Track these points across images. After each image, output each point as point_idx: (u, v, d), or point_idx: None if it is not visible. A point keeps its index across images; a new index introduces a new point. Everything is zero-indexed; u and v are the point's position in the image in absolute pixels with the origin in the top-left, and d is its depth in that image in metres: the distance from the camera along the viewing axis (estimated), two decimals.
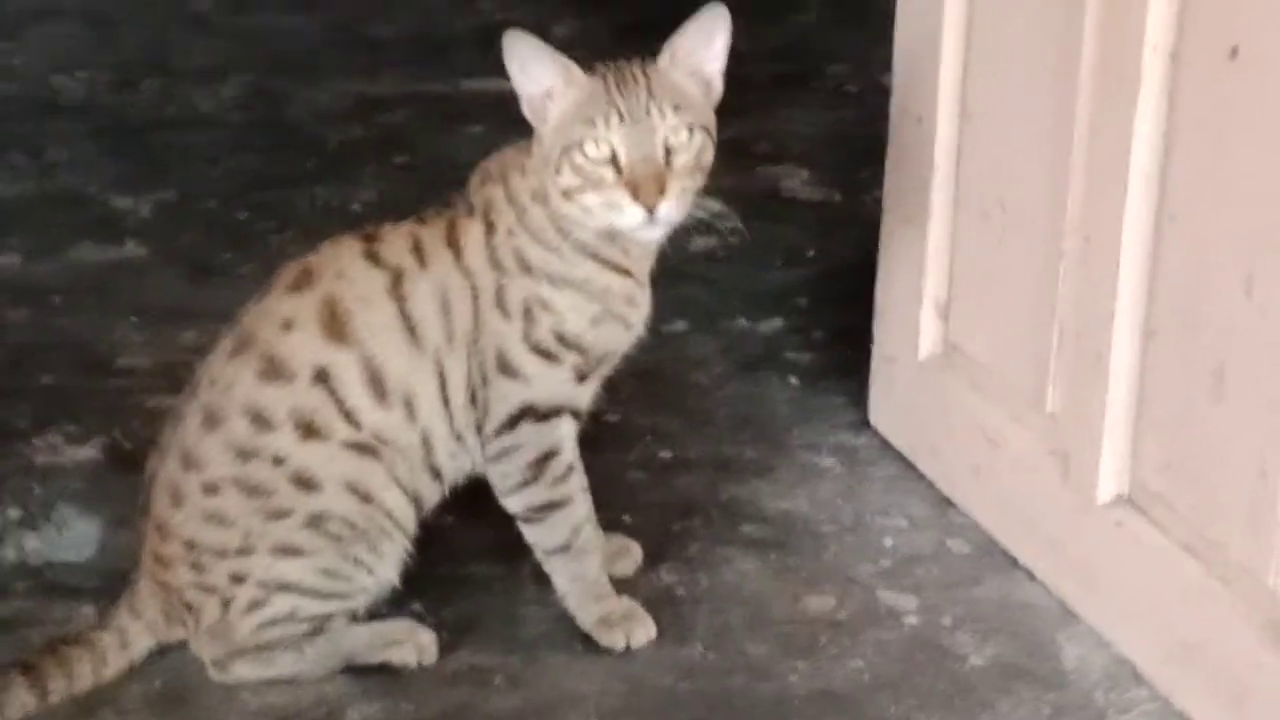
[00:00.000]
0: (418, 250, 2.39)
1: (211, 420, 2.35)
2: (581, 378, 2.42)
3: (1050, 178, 2.51)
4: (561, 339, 2.38)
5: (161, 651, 2.43)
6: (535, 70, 2.31)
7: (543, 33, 5.00)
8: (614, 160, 2.27)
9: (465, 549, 2.67)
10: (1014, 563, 2.65)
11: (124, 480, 2.74)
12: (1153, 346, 2.36)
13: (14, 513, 2.76)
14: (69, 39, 5.16)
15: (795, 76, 4.83)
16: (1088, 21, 2.40)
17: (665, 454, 2.98)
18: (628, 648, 2.47)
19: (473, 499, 2.53)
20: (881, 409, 3.00)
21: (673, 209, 2.28)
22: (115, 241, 3.79)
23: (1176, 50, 2.26)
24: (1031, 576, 2.62)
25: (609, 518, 2.67)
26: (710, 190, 2.37)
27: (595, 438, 2.83)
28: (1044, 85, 2.51)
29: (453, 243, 2.39)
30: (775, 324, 3.43)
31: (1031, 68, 2.55)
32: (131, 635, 2.41)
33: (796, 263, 3.70)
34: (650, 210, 2.26)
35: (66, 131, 4.42)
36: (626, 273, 2.41)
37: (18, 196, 4.03)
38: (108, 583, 2.55)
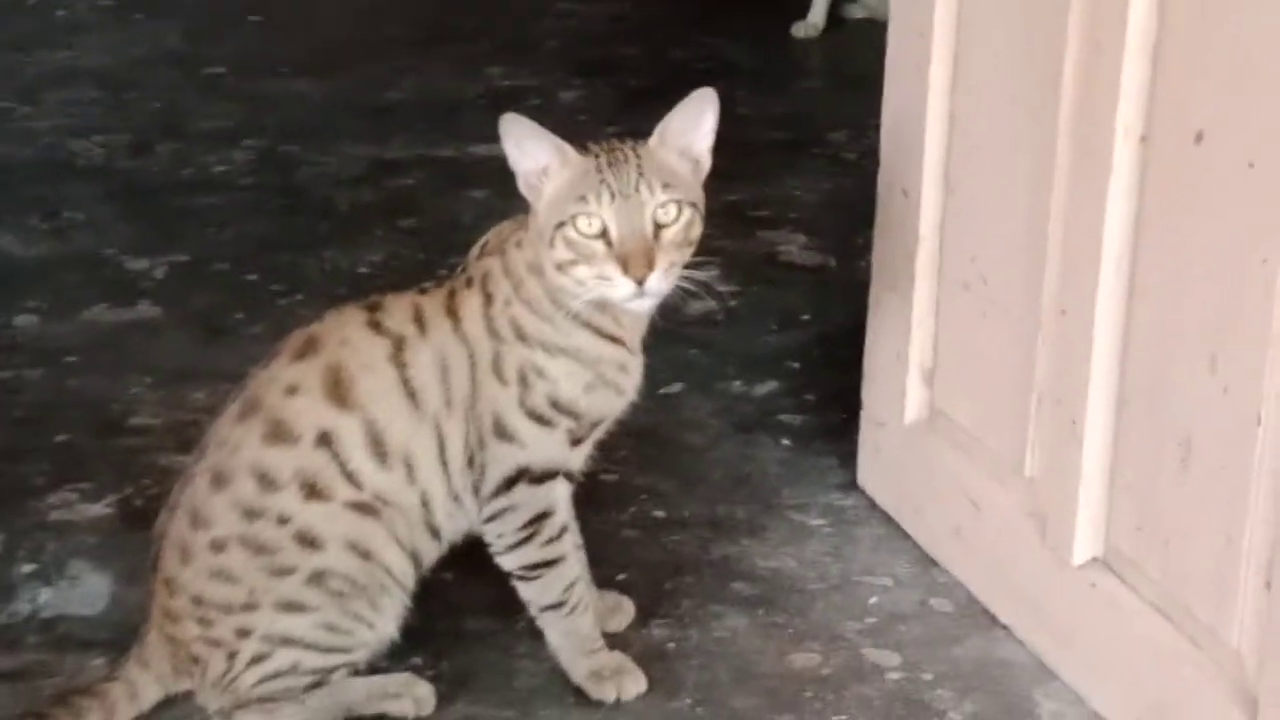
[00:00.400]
0: (418, 319, 2.48)
1: (219, 480, 2.44)
2: (575, 442, 2.51)
3: (1028, 253, 2.60)
4: (556, 404, 2.47)
5: (169, 702, 2.51)
6: (531, 150, 2.39)
7: (550, 99, 5.20)
8: (605, 235, 2.35)
9: (463, 604, 2.75)
10: (994, 621, 2.74)
11: (135, 537, 2.83)
12: (1124, 416, 2.45)
13: (28, 567, 2.86)
14: (86, 104, 5.28)
15: (796, 143, 4.94)
16: (1063, 104, 2.49)
17: (659, 513, 3.06)
18: (618, 701, 2.55)
19: (471, 557, 2.60)
20: (869, 471, 3.09)
21: (661, 281, 2.37)
22: (129, 302, 3.89)
23: (1147, 133, 2.36)
24: (1011, 634, 2.70)
25: (603, 574, 2.76)
26: (710, 253, 2.45)
27: (592, 496, 2.93)
28: (1023, 164, 2.60)
29: (452, 312, 2.48)
30: (770, 386, 3.52)
31: (1011, 146, 2.64)
32: (140, 686, 2.49)
33: (792, 326, 3.79)
34: (640, 283, 2.35)
35: (83, 194, 4.53)
36: (619, 341, 2.49)
37: (35, 258, 4.13)
38: (118, 636, 2.63)
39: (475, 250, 2.55)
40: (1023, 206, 2.61)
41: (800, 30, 6.11)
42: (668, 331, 3.54)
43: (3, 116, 5.15)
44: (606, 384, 2.50)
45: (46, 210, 4.40)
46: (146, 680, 2.50)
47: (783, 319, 3.83)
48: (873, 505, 3.06)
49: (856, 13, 6.16)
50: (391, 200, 4.51)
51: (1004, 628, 2.72)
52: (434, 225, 4.23)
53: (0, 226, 4.28)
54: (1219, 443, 2.27)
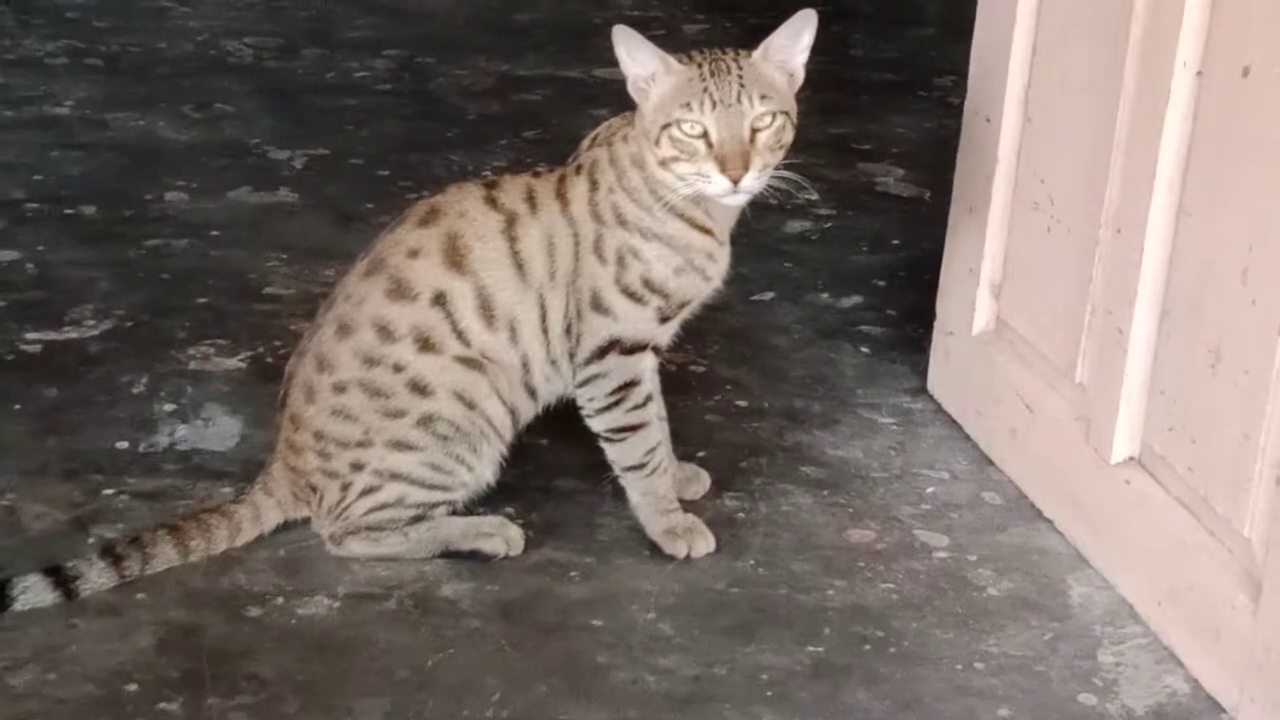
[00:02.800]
0: (531, 199, 2.74)
1: (344, 330, 2.72)
2: (663, 319, 2.76)
3: (1091, 176, 2.83)
4: (648, 284, 2.72)
5: (287, 526, 2.80)
6: (639, 57, 2.64)
7: (674, 31, 5.44)
8: (706, 137, 2.59)
9: (555, 466, 3.02)
10: (1038, 514, 2.98)
11: (264, 389, 3.14)
12: (1165, 326, 2.68)
13: (169, 407, 3.16)
14: (240, 7, 5.60)
15: (904, 85, 5.16)
16: (1131, 39, 2.71)
17: (741, 402, 3.32)
18: (688, 557, 2.80)
19: (565, 423, 2.87)
20: (938, 378, 3.33)
21: (754, 181, 2.61)
22: (270, 188, 4.20)
23: (1203, 68, 2.57)
24: (1052, 526, 2.94)
25: (685, 451, 3.03)
26: (812, 179, 2.68)
27: (681, 383, 3.22)
28: (1093, 93, 2.82)
29: (561, 195, 2.74)
30: (854, 300, 3.77)
31: (1083, 80, 2.86)
32: (264, 510, 2.78)
33: (881, 249, 4.03)
34: (735, 181, 2.59)
35: (233, 89, 4.85)
36: (709, 232, 2.73)
37: (187, 142, 4.45)
38: (244, 469, 2.93)
39: (586, 141, 2.81)
40: (1090, 133, 2.83)
41: None
42: (765, 246, 3.84)
43: (161, 14, 5.48)
44: (695, 269, 2.74)
45: (199, 101, 4.72)
46: (269, 505, 2.79)
47: (874, 242, 4.07)
48: (939, 408, 3.30)
49: None
50: (518, 112, 4.78)
51: (1047, 520, 2.96)
52: (556, 137, 4.50)
53: (156, 112, 4.62)
54: (1245, 349, 2.49)
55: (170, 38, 5.26)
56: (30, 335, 3.39)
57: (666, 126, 2.61)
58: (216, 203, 4.09)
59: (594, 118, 4.41)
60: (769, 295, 3.75)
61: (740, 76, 2.61)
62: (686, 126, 2.59)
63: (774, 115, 2.61)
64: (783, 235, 4.03)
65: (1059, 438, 2.93)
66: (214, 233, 3.92)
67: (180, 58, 5.10)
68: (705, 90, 2.59)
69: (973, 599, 2.76)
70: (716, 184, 2.60)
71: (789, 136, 2.66)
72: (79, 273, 3.67)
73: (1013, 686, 2.55)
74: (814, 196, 3.80)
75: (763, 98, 2.61)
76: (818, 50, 2.67)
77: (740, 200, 2.66)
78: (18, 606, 2.57)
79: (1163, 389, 2.69)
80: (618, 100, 2.72)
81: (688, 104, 2.59)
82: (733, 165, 2.58)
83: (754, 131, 2.60)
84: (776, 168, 2.64)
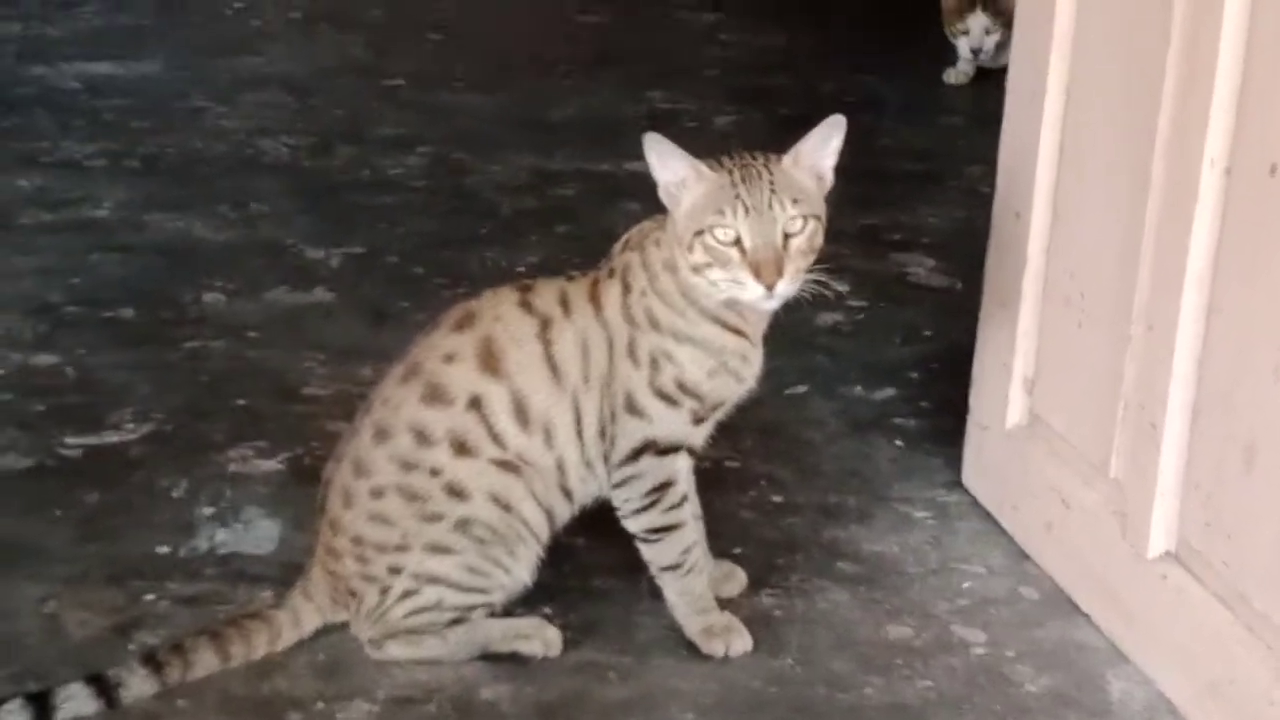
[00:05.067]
0: (565, 303, 2.77)
1: (381, 435, 2.74)
2: (698, 421, 2.78)
3: (1122, 271, 2.84)
4: (682, 387, 2.74)
5: (327, 630, 2.81)
6: (670, 164, 2.67)
7: (705, 123, 5.49)
8: (739, 244, 2.62)
9: (592, 565, 3.03)
10: (1075, 608, 2.97)
11: (303, 491, 3.15)
12: (1199, 422, 2.69)
13: (208, 510, 3.19)
14: (275, 107, 5.67)
15: (934, 175, 5.19)
16: (1159, 137, 2.73)
17: (776, 498, 3.33)
18: (726, 656, 2.81)
19: (601, 522, 2.88)
20: (973, 471, 3.34)
21: (788, 286, 2.63)
22: (307, 287, 4.24)
23: (1230, 165, 2.59)
24: (1090, 621, 2.94)
25: (721, 547, 3.03)
26: (843, 272, 2.70)
27: (715, 479, 3.23)
28: (1121, 190, 2.84)
29: (594, 298, 2.76)
30: (888, 392, 3.78)
31: (1112, 177, 2.88)
32: (303, 615, 2.80)
33: (914, 340, 4.05)
34: (770, 288, 2.62)
35: (269, 188, 4.90)
36: (742, 334, 2.75)
37: (224, 243, 4.51)
38: (285, 573, 2.94)
39: (619, 245, 2.84)
40: (1119, 229, 2.85)
41: (951, 76, 6.35)
42: (798, 339, 3.86)
43: (199, 115, 5.56)
44: (729, 371, 2.76)
45: (235, 201, 4.78)
46: (309, 610, 2.81)
47: (907, 334, 4.09)
48: (974, 502, 3.31)
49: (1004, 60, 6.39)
50: (551, 208, 4.83)
51: (1084, 615, 2.96)
52: (589, 233, 4.52)
53: (194, 213, 4.67)
54: (1279, 445, 2.50)
55: (206, 138, 5.33)
56: (70, 440, 3.42)
57: (699, 233, 2.63)
58: (254, 303, 4.13)
59: (625, 212, 4.47)
60: (802, 389, 3.77)
61: (772, 182, 2.63)
62: (720, 233, 2.62)
63: (806, 219, 2.64)
64: (815, 328, 4.05)
65: (1095, 532, 2.93)
66: (251, 333, 3.96)
67: (216, 157, 5.17)
68: (737, 196, 2.62)
69: (1011, 695, 2.75)
70: (751, 290, 2.62)
71: (820, 240, 2.68)
72: (118, 376, 3.71)
73: None
74: (845, 289, 3.82)
75: (795, 202, 2.63)
76: (846, 140, 2.69)
77: (774, 305, 2.68)
78: (60, 715, 2.58)
79: (1198, 483, 2.70)
80: (648, 194, 2.75)
81: (720, 210, 2.62)
82: (767, 272, 2.60)
83: (786, 237, 2.62)
84: (808, 270, 2.67)
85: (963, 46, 6.28)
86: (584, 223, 4.69)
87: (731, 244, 2.62)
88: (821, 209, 2.69)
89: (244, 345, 3.90)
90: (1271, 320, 2.51)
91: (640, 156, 2.68)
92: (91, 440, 3.43)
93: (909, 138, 5.50)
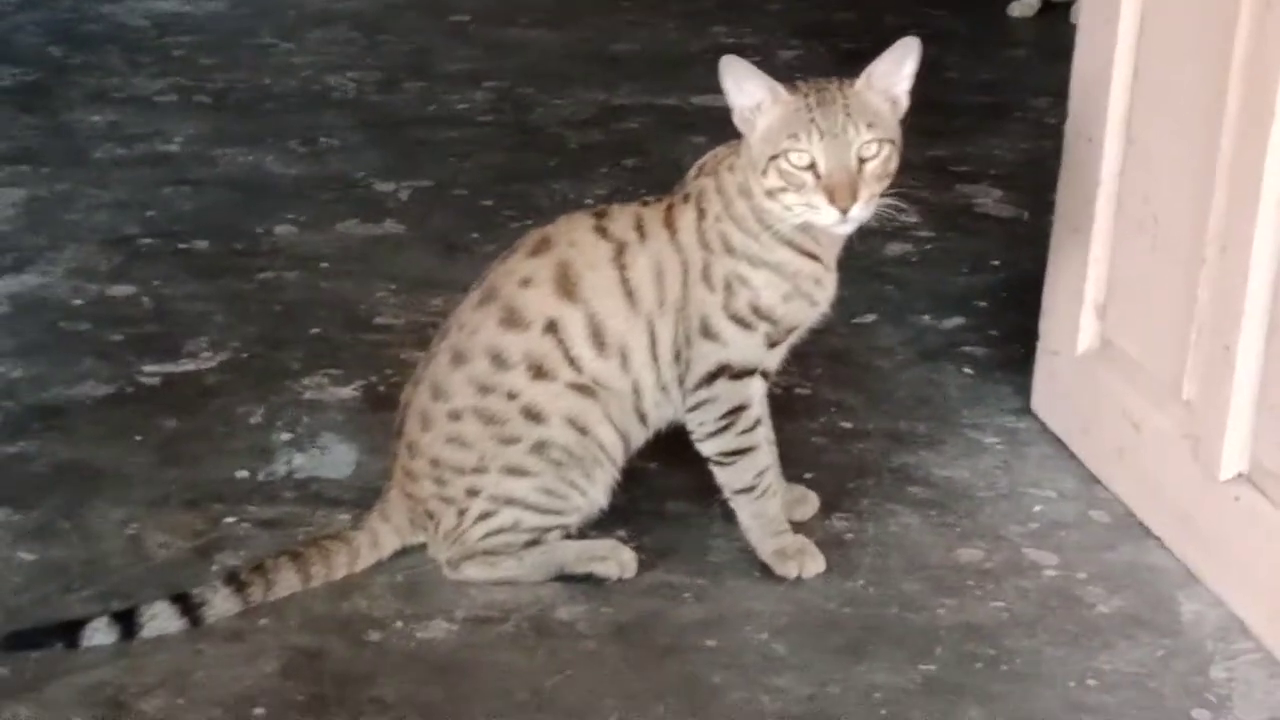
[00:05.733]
0: (639, 228, 2.78)
1: (459, 358, 2.77)
2: (772, 344, 2.79)
3: (1196, 194, 2.84)
4: (756, 310, 2.76)
5: (404, 552, 2.86)
6: (747, 87, 2.67)
7: (769, 57, 5.51)
8: (813, 168, 2.62)
9: (666, 489, 3.06)
10: (1147, 532, 2.98)
11: (377, 417, 3.21)
12: (1273, 342, 2.68)
13: (285, 436, 3.23)
14: (342, 43, 5.71)
15: (1001, 106, 5.19)
16: (1235, 57, 2.72)
17: (846, 424, 3.35)
18: (799, 578, 2.83)
19: (674, 447, 2.91)
20: (1042, 397, 3.35)
21: (863, 210, 2.64)
22: (377, 220, 4.28)
23: None
24: (1161, 544, 2.95)
25: (793, 473, 3.06)
26: (911, 203, 2.71)
27: (786, 406, 3.24)
28: (1196, 116, 2.84)
29: (669, 223, 2.78)
30: (956, 321, 3.79)
31: (1187, 100, 2.87)
32: (381, 536, 2.84)
33: (982, 270, 4.05)
34: (844, 211, 2.62)
35: (337, 123, 4.95)
36: (816, 258, 2.76)
37: (294, 176, 4.55)
38: (360, 496, 2.99)
39: (693, 170, 2.85)
40: (1194, 151, 2.84)
41: (1016, 9, 6.32)
42: (866, 269, 3.87)
43: (267, 52, 5.60)
44: (802, 295, 2.78)
45: (304, 136, 4.83)
46: (387, 531, 2.84)
47: (974, 263, 4.09)
48: (1044, 428, 3.32)
49: None
50: (618, 141, 4.85)
51: (1155, 538, 2.97)
52: (656, 165, 4.56)
53: (263, 148, 4.72)
54: None
55: (275, 74, 5.37)
56: (148, 368, 3.47)
57: (774, 158, 2.64)
58: (325, 235, 4.17)
59: (693, 145, 4.49)
60: (871, 318, 3.79)
61: (846, 106, 2.63)
62: (794, 157, 2.62)
63: (880, 144, 2.64)
64: (883, 258, 4.06)
65: (1166, 455, 2.94)
66: (324, 265, 4.00)
67: (285, 93, 5.21)
68: (812, 121, 2.62)
69: (1083, 616, 2.77)
70: (825, 214, 2.63)
71: (895, 164, 2.68)
72: (194, 306, 3.76)
73: (1126, 703, 2.56)
74: (914, 219, 3.83)
75: (869, 126, 2.63)
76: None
77: (848, 229, 2.68)
78: (145, 633, 2.64)
79: (1272, 404, 2.70)
80: (716, 127, 2.77)
81: (795, 135, 2.62)
82: (841, 196, 2.61)
83: (861, 161, 2.62)
84: (882, 195, 2.67)
85: None
86: (651, 155, 4.71)
87: (806, 168, 2.62)
88: (896, 133, 2.69)
89: (316, 276, 3.94)
90: None
91: (707, 89, 2.70)
92: (169, 368, 3.48)
93: (974, 70, 5.49)
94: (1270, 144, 2.63)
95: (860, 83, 2.68)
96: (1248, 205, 2.69)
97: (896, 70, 2.69)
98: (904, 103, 2.72)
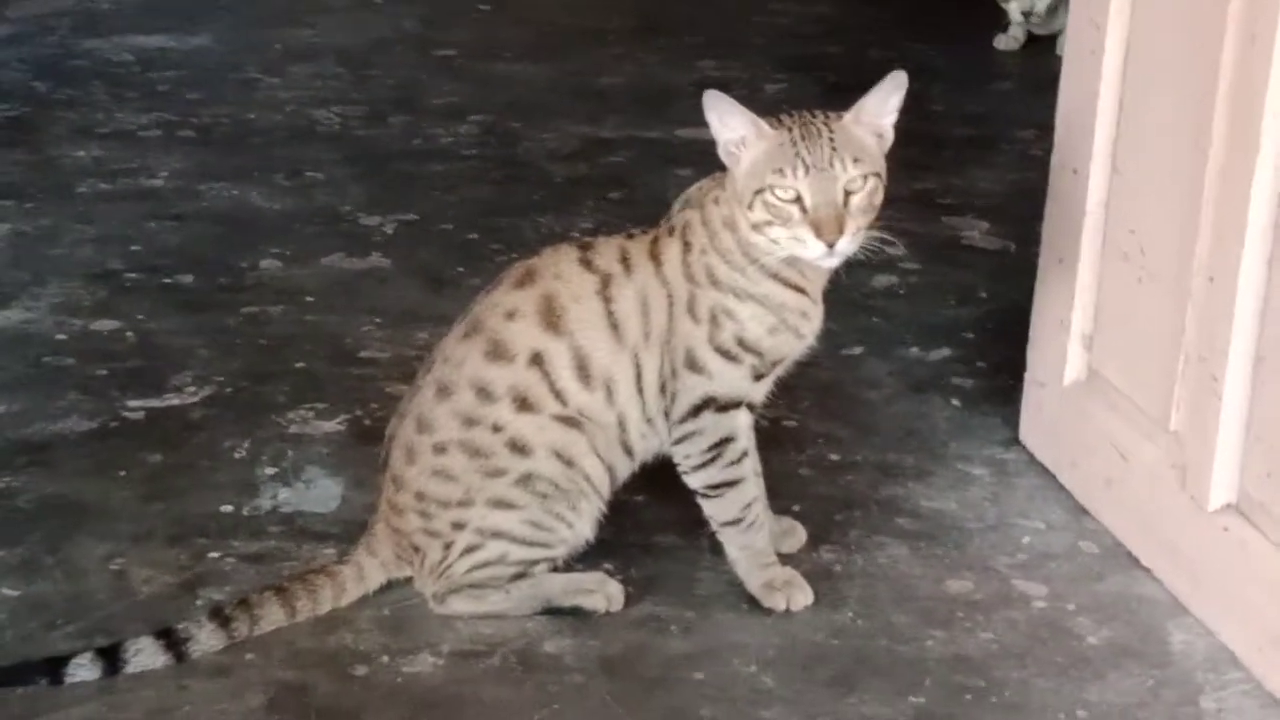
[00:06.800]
0: (625, 260, 2.78)
1: (444, 391, 2.76)
2: (758, 377, 2.79)
3: (1182, 225, 2.84)
4: (742, 343, 2.75)
5: (391, 585, 2.84)
6: (730, 122, 2.67)
7: (755, 91, 5.51)
8: (799, 201, 2.62)
9: (652, 522, 3.05)
10: (1135, 562, 2.98)
11: (363, 451, 3.19)
12: (1260, 372, 2.68)
13: (270, 470, 3.22)
14: (327, 78, 5.70)
15: (987, 139, 5.19)
16: (1220, 89, 2.73)
17: (834, 456, 3.34)
18: (787, 610, 2.82)
19: (661, 480, 2.90)
20: (1030, 428, 3.35)
21: (849, 244, 2.63)
22: (362, 253, 4.27)
23: None
24: (1150, 574, 2.94)
25: (780, 505, 3.05)
26: (897, 235, 2.70)
27: (774, 438, 3.23)
28: (1182, 144, 2.84)
29: (655, 256, 2.77)
30: (943, 353, 3.79)
31: (1172, 132, 2.88)
32: (367, 570, 2.82)
33: (969, 302, 4.05)
34: (831, 245, 2.62)
35: (323, 157, 4.93)
36: (802, 291, 2.76)
37: (279, 211, 4.54)
38: (346, 530, 2.98)
39: (678, 203, 2.85)
40: (1180, 183, 2.85)
41: (1002, 42, 6.33)
42: (853, 301, 3.87)
43: (252, 86, 5.59)
44: (788, 328, 2.77)
45: (290, 170, 4.81)
46: (373, 565, 2.83)
47: (961, 295, 4.09)
48: (1032, 459, 3.31)
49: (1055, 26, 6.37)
50: (603, 175, 4.84)
51: (1144, 569, 2.96)
52: (641, 199, 4.55)
53: (248, 182, 4.71)
54: None
55: (260, 108, 5.36)
56: (133, 403, 3.46)
57: (760, 191, 2.64)
58: (310, 269, 4.16)
59: (678, 178, 4.48)
60: (858, 350, 3.78)
61: (832, 139, 2.63)
62: (780, 191, 2.62)
63: (866, 178, 2.64)
64: (870, 290, 4.06)
65: (1155, 486, 2.93)
66: (309, 298, 3.98)
67: (270, 127, 5.19)
68: (798, 154, 2.62)
69: (1073, 648, 2.76)
70: (811, 248, 2.63)
71: (880, 197, 2.68)
72: (178, 341, 3.74)
73: None
74: (900, 251, 3.82)
75: (855, 160, 2.63)
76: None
77: (835, 263, 2.68)
78: (130, 669, 2.62)
79: (1259, 435, 2.70)
80: (701, 160, 2.76)
81: (780, 169, 2.62)
82: (828, 229, 2.61)
83: (847, 195, 2.62)
84: (868, 228, 2.67)
85: (1014, 10, 6.26)
86: (636, 189, 4.71)
87: (792, 202, 2.62)
88: (882, 166, 2.69)
89: (302, 310, 3.93)
90: None
91: (692, 123, 2.69)
92: (154, 403, 3.46)
93: (960, 103, 5.49)
94: (1255, 175, 2.64)
95: (848, 117, 2.68)
96: (1234, 235, 2.69)
97: (884, 104, 2.69)
98: (890, 136, 2.72)
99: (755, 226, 2.66)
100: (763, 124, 2.66)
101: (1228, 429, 2.74)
